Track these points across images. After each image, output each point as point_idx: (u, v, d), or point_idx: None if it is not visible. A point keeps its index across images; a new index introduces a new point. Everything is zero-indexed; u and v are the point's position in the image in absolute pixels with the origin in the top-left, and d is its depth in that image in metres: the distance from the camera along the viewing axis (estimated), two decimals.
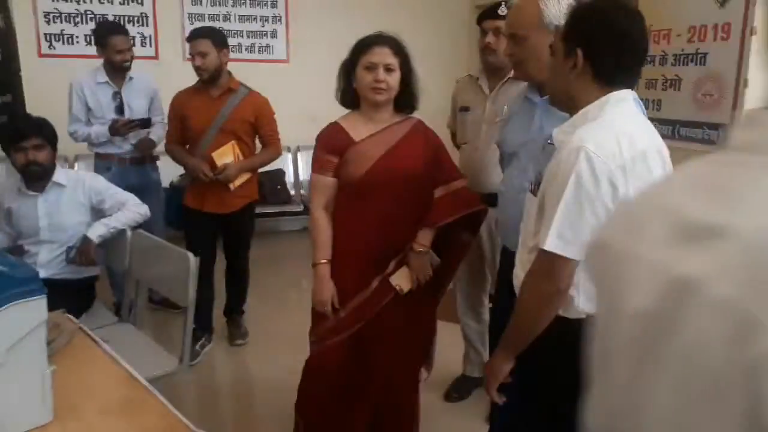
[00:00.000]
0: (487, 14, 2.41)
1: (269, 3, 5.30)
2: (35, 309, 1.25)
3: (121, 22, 4.88)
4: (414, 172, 1.96)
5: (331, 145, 1.99)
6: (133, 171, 3.49)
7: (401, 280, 1.98)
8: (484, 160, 2.40)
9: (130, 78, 3.47)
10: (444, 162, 2.04)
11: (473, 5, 5.74)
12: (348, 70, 1.97)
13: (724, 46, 3.18)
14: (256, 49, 5.36)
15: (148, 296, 3.15)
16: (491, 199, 2.17)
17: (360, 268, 1.98)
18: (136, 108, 3.48)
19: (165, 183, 3.83)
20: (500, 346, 1.41)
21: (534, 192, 1.38)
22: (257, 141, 3.24)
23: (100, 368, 1.61)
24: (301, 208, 5.39)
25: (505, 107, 2.36)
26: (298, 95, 5.46)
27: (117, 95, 3.45)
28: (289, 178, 5.55)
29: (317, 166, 2.02)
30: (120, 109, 3.45)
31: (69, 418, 1.35)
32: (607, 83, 1.29)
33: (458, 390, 2.78)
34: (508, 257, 1.79)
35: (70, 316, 1.87)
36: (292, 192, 5.51)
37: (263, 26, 5.34)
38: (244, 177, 3.11)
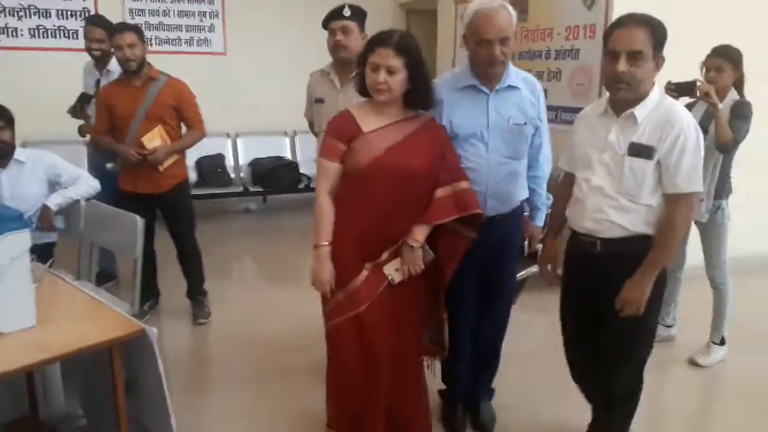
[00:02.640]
0: (334, 15, 2.63)
1: None
2: (21, 239, 1.71)
3: (64, 17, 5.23)
4: (417, 169, 1.99)
5: (341, 132, 2.03)
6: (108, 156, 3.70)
7: (393, 271, 2.05)
8: None
9: (108, 70, 3.75)
10: (450, 161, 2.07)
11: (396, 4, 6.29)
12: (363, 63, 2.01)
13: (592, 43, 3.81)
14: (195, 43, 5.76)
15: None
16: None
17: (354, 255, 2.03)
18: None
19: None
20: (649, 271, 1.90)
21: (640, 155, 1.87)
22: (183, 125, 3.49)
23: (68, 295, 2.07)
24: (240, 189, 5.82)
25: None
26: (236, 85, 5.87)
27: (97, 83, 3.76)
28: (229, 161, 5.98)
29: (325, 151, 2.05)
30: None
31: (47, 323, 1.81)
32: None
33: None
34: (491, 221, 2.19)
35: (37, 263, 2.30)
36: (233, 175, 5.94)
37: (201, 21, 5.75)
38: (173, 159, 3.39)
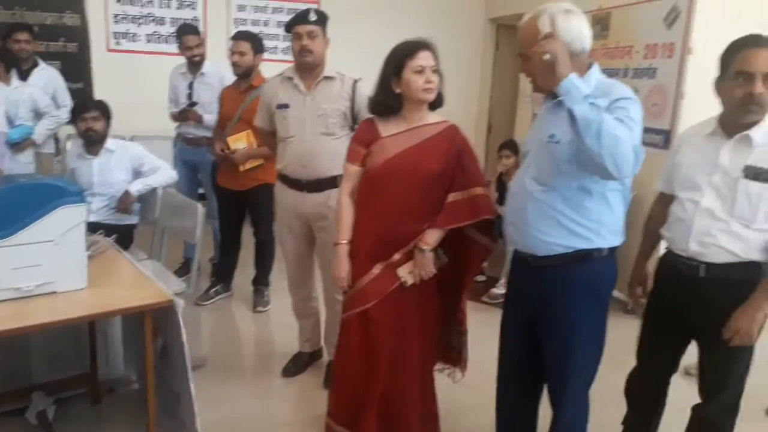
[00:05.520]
0: (298, 20, 2.63)
1: None
2: (78, 212, 1.98)
3: (176, 25, 5.74)
4: (427, 172, 2.04)
5: (362, 137, 2.16)
6: (189, 150, 4.18)
7: (405, 273, 2.10)
8: (313, 150, 2.67)
9: (202, 73, 4.14)
10: (468, 168, 2.09)
11: (487, 18, 6.33)
12: (389, 77, 2.07)
13: (669, 62, 3.67)
14: (290, 51, 6.10)
15: None
16: (320, 185, 2.64)
17: (367, 254, 2.12)
18: (203, 97, 4.12)
19: None
20: (764, 300, 1.79)
21: (757, 178, 1.77)
22: None
23: (121, 266, 2.34)
24: None
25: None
26: None
27: (190, 85, 4.16)
28: None
29: (349, 155, 2.20)
30: (190, 96, 4.14)
31: (96, 287, 2.07)
32: None
33: (296, 365, 3.09)
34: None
35: (106, 238, 2.60)
36: None
37: None
38: (256, 162, 3.58)
